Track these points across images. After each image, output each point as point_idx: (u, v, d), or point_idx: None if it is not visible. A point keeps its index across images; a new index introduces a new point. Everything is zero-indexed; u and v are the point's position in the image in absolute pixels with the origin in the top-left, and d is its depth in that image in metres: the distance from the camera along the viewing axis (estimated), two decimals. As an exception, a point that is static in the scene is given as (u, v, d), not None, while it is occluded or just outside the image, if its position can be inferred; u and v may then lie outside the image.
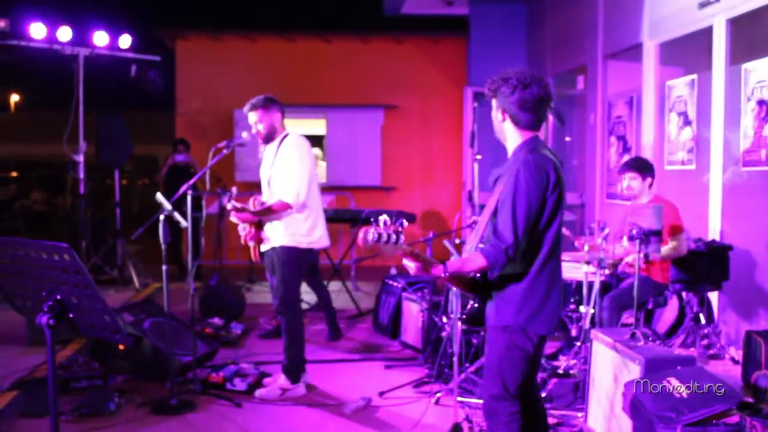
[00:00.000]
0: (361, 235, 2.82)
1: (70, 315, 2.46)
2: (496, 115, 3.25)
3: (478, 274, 3.08)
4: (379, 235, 2.77)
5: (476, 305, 3.23)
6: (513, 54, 11.35)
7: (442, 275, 3.00)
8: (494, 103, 3.25)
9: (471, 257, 3.06)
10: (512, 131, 3.23)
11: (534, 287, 3.09)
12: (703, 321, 5.99)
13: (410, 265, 3.02)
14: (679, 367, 3.50)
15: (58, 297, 2.43)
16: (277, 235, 5.20)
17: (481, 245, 3.09)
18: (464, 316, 3.30)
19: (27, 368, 5.34)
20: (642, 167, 5.58)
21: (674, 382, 3.27)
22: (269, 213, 5.17)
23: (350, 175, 12.31)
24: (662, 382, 3.30)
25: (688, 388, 3.19)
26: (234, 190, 5.11)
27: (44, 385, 4.81)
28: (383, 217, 2.78)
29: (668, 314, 6.23)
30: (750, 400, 4.52)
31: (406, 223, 2.84)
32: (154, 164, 22.71)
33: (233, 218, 5.28)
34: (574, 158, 10.24)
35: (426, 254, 5.91)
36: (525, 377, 3.15)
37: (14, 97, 27.76)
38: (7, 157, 24.48)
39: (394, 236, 2.77)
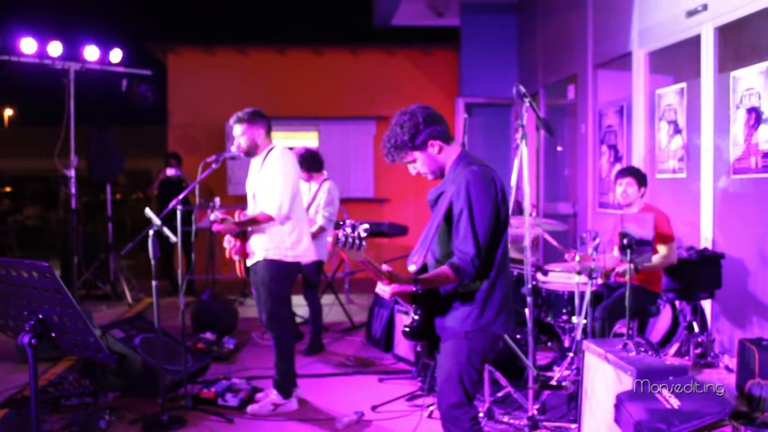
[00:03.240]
0: (329, 239, 2.86)
1: (53, 334, 2.44)
2: (429, 154, 3.27)
3: (418, 286, 3.10)
4: (340, 238, 2.77)
5: (416, 317, 3.19)
6: (504, 64, 11.39)
7: (415, 289, 3.07)
8: (418, 154, 3.27)
9: (440, 272, 3.10)
10: (446, 153, 3.30)
11: (493, 291, 3.21)
12: (696, 329, 5.98)
13: (385, 289, 3.05)
14: (671, 378, 3.48)
15: (40, 316, 2.41)
16: (261, 248, 5.16)
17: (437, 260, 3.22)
18: (407, 329, 3.24)
19: (16, 386, 5.30)
20: (639, 175, 5.59)
21: (665, 392, 3.25)
22: (251, 225, 5.14)
23: (343, 188, 12.21)
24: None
25: (679, 398, 3.17)
26: (217, 200, 5.08)
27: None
28: (349, 221, 2.78)
29: (662, 323, 6.22)
30: (744, 409, 4.52)
31: (367, 226, 2.84)
32: (146, 178, 22.69)
33: (215, 229, 5.25)
34: (566, 168, 10.25)
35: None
36: (480, 380, 3.30)
37: (7, 112, 27.71)
38: (1, 172, 24.43)
39: (357, 242, 2.78)
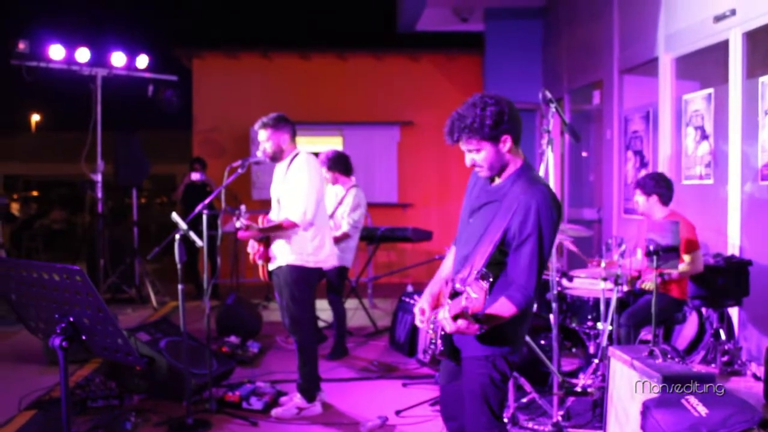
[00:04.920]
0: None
1: (83, 337, 2.47)
2: (498, 149, 3.00)
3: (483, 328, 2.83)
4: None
5: (441, 347, 2.97)
6: (529, 70, 11.35)
7: (479, 332, 2.79)
8: (488, 145, 3.00)
9: (501, 305, 2.87)
10: (512, 155, 3.04)
11: (521, 320, 3.03)
12: (723, 337, 5.91)
13: (447, 318, 2.73)
14: (698, 385, 3.45)
15: (71, 319, 2.44)
16: (283, 253, 5.19)
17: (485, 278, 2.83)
18: (434, 356, 3.01)
19: (45, 388, 5.37)
20: (643, 185, 5.54)
21: (693, 400, 3.22)
22: (275, 231, 5.17)
23: (367, 193, 12.13)
24: (681, 400, 3.25)
25: (707, 406, 3.14)
26: (243, 208, 5.11)
27: (59, 404, 4.82)
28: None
29: (688, 330, 6.16)
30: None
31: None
32: (171, 183, 22.86)
33: (240, 236, 5.28)
34: (591, 174, 10.19)
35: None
36: (506, 398, 3.16)
37: (35, 117, 28.04)
38: (29, 177, 24.75)
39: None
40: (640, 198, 5.54)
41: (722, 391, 3.37)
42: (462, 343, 3.04)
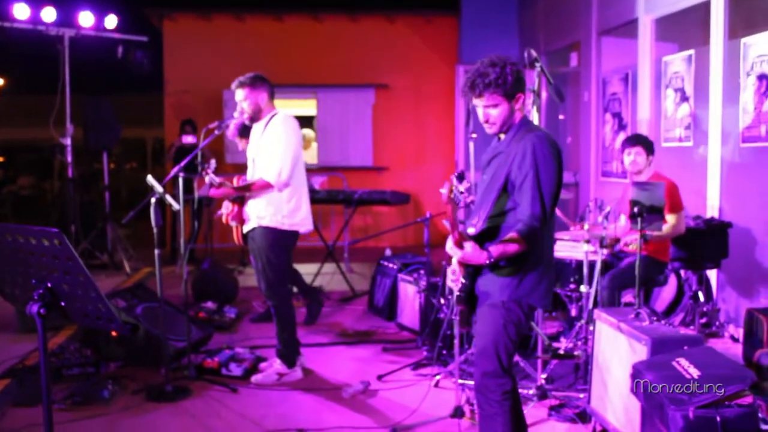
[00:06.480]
0: (442, 190, 2.83)
1: (62, 303, 2.36)
2: (511, 106, 3.18)
3: (491, 259, 3.03)
4: (453, 191, 2.87)
5: (464, 281, 3.18)
6: (505, 32, 11.24)
7: (488, 262, 3.02)
8: (504, 101, 3.16)
9: (510, 239, 3.03)
10: (518, 114, 3.23)
11: (535, 261, 3.15)
12: (702, 299, 5.94)
13: (457, 252, 3.03)
14: (686, 347, 3.43)
15: (49, 285, 2.32)
16: (257, 214, 5.07)
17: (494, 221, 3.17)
18: (461, 294, 3.20)
19: (18, 356, 5.24)
20: (647, 143, 5.49)
21: (684, 362, 3.19)
22: (249, 191, 5.05)
23: (342, 156, 12.19)
24: (671, 362, 3.23)
25: (698, 368, 3.12)
26: (213, 162, 4.98)
27: (36, 373, 4.72)
28: (456, 174, 2.89)
29: (666, 292, 6.17)
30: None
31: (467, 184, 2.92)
32: (142, 147, 22.50)
33: (212, 194, 5.16)
34: (568, 136, 10.15)
35: (424, 235, 5.83)
36: (515, 351, 3.26)
37: (-1, 81, 27.36)
38: (-7, 142, 24.22)
39: (459, 195, 2.87)
40: (640, 157, 5.44)
41: (711, 353, 3.35)
42: (482, 282, 3.20)
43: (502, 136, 3.27)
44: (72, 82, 9.12)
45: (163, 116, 12.29)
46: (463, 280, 3.17)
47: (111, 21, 9.37)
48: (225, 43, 11.92)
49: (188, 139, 9.98)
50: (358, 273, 9.15)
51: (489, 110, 3.18)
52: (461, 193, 2.86)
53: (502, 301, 3.15)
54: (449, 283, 3.29)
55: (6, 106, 24.65)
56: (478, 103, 3.19)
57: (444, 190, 2.86)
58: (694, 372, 3.09)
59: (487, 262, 3.01)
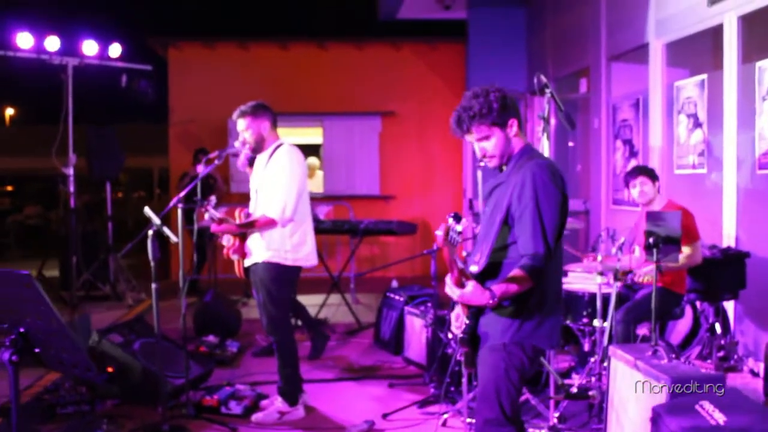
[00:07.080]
0: (438, 232, 2.68)
1: (36, 350, 2.18)
2: (506, 134, 3.06)
3: (494, 300, 2.85)
4: (450, 233, 2.72)
5: (468, 321, 3.01)
6: (513, 58, 11.10)
7: (491, 302, 2.83)
8: (497, 130, 3.04)
9: (514, 277, 2.86)
10: (516, 140, 3.10)
11: (538, 299, 2.97)
12: (719, 331, 5.72)
13: (455, 291, 2.86)
14: (709, 388, 3.23)
15: (22, 330, 2.16)
16: (259, 249, 4.90)
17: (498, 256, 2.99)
18: (464, 336, 3.01)
19: (6, 395, 5.04)
20: (649, 171, 5.36)
21: (708, 406, 2.99)
22: (252, 227, 4.89)
23: (348, 185, 12.04)
24: (695, 406, 3.02)
25: (723, 412, 2.91)
26: (212, 199, 4.82)
27: (26, 411, 4.55)
28: (452, 215, 2.73)
29: (682, 324, 5.96)
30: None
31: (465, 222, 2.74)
32: (149, 176, 22.47)
33: (214, 230, 5.00)
34: (578, 164, 9.98)
35: (431, 267, 5.64)
36: (519, 397, 3.06)
37: (8, 111, 27.50)
38: (2, 171, 24.21)
39: (456, 237, 2.73)
40: (646, 186, 5.29)
41: (737, 395, 3.15)
42: (482, 330, 3.03)
43: (504, 167, 3.12)
44: (76, 111, 9.05)
45: (168, 145, 12.19)
46: (467, 321, 3.00)
47: (115, 50, 9.32)
48: (230, 71, 11.85)
49: (201, 168, 9.85)
50: (365, 304, 8.96)
51: (482, 144, 3.07)
52: (458, 233, 2.68)
53: (503, 343, 2.96)
54: (453, 329, 3.12)
55: (14, 135, 24.74)
56: (470, 139, 3.08)
57: (440, 232, 2.69)
58: (720, 417, 2.88)
59: (490, 302, 2.82)
